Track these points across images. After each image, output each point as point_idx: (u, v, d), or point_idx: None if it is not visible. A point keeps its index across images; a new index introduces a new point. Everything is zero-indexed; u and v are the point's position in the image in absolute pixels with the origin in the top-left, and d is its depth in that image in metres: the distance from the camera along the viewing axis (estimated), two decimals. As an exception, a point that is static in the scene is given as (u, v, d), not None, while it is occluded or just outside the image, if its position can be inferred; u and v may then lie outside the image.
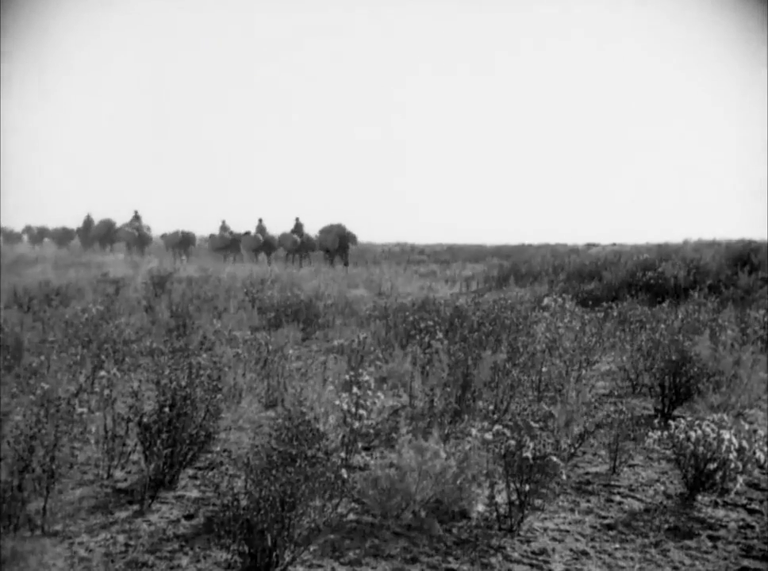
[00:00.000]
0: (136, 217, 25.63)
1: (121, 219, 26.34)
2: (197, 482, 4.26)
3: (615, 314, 9.93)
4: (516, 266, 18.38)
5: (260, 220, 25.01)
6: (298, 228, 24.11)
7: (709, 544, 3.69)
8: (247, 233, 24.82)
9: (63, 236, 29.07)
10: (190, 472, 4.39)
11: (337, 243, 22.42)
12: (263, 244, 24.45)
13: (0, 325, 7.06)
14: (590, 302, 12.32)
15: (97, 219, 26.73)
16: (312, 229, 23.85)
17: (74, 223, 28.61)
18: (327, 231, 22.69)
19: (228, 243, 25.20)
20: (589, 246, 25.71)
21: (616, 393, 6.63)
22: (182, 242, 25.33)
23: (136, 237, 25.05)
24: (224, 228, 25.71)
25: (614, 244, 24.73)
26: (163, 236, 26.38)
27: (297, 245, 23.61)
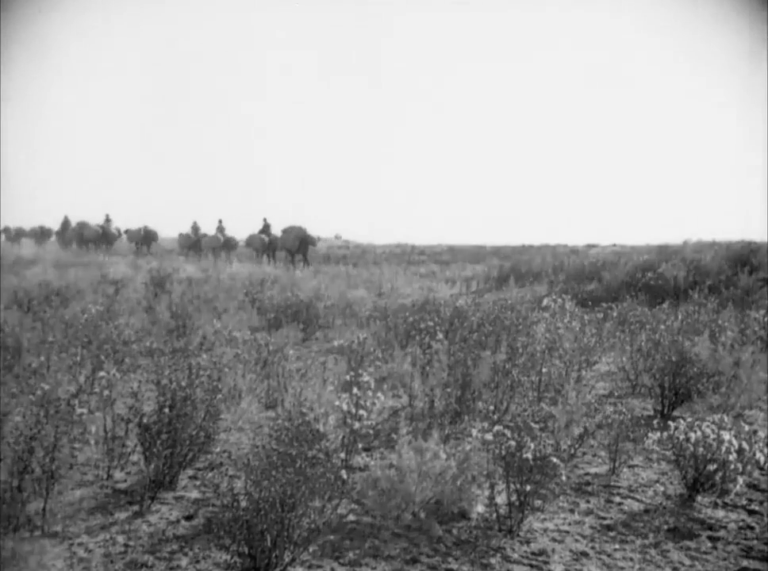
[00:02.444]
0: (107, 220, 27.86)
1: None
2: (197, 483, 4.26)
3: (615, 315, 9.92)
4: (515, 267, 18.37)
5: (220, 221, 26.48)
6: (266, 228, 25.14)
7: (709, 545, 3.69)
8: (205, 235, 26.58)
9: (40, 235, 30.80)
10: (190, 473, 4.39)
11: (297, 244, 23.26)
12: (222, 244, 25.84)
13: (0, 325, 7.06)
14: (590, 303, 12.31)
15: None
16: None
17: (38, 222, 30.96)
18: (287, 232, 23.65)
19: (192, 243, 26.89)
20: (589, 247, 25.73)
21: (615, 394, 6.62)
22: (145, 238, 27.31)
23: (100, 235, 27.25)
24: (194, 228, 27.46)
25: (614, 245, 24.76)
26: (127, 231, 28.22)
27: (265, 245, 24.64)
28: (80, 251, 25.54)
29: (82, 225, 27.97)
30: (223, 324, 8.53)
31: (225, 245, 25.97)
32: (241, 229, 26.51)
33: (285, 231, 23.69)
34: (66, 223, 29.51)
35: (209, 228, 27.05)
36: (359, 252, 30.42)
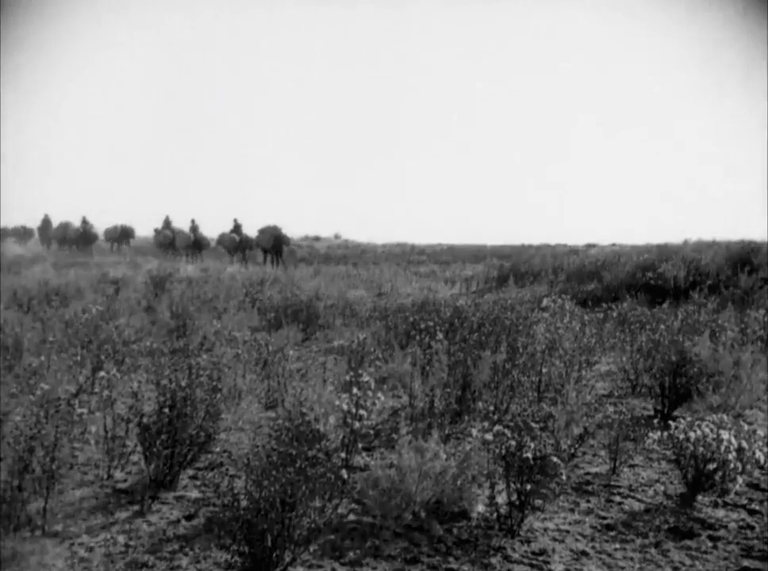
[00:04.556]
0: (85, 221, 29.00)
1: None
2: (198, 483, 4.26)
3: (615, 315, 9.92)
4: (515, 267, 18.37)
5: (192, 221, 27.45)
6: (237, 228, 25.90)
7: (709, 544, 3.69)
8: (181, 232, 27.53)
9: (22, 235, 32.11)
10: (190, 472, 4.39)
11: (271, 243, 23.80)
12: (193, 243, 26.74)
13: (0, 325, 7.06)
14: (590, 303, 12.33)
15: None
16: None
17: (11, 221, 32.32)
18: (262, 231, 24.24)
19: (169, 241, 27.76)
20: (589, 246, 25.74)
21: (616, 394, 6.63)
22: (122, 235, 28.80)
23: (81, 234, 28.63)
24: (166, 222, 28.63)
25: (614, 245, 24.76)
26: (106, 231, 29.62)
27: (236, 244, 25.35)
28: (60, 250, 26.76)
29: (65, 225, 29.03)
30: (223, 324, 8.53)
31: (196, 244, 26.78)
32: (223, 228, 26.86)
33: (260, 231, 24.32)
34: (46, 222, 30.64)
35: (185, 227, 27.75)
36: (358, 252, 30.44)
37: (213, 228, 27.87)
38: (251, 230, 25.87)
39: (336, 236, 38.46)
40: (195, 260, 24.86)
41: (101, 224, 29.44)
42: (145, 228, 30.55)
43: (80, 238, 28.33)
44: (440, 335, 7.29)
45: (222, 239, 25.80)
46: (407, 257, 28.13)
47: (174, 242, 27.36)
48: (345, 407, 4.50)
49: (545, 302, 10.93)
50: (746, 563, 3.48)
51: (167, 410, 4.06)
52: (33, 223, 31.82)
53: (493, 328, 7.84)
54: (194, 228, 27.12)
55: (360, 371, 4.81)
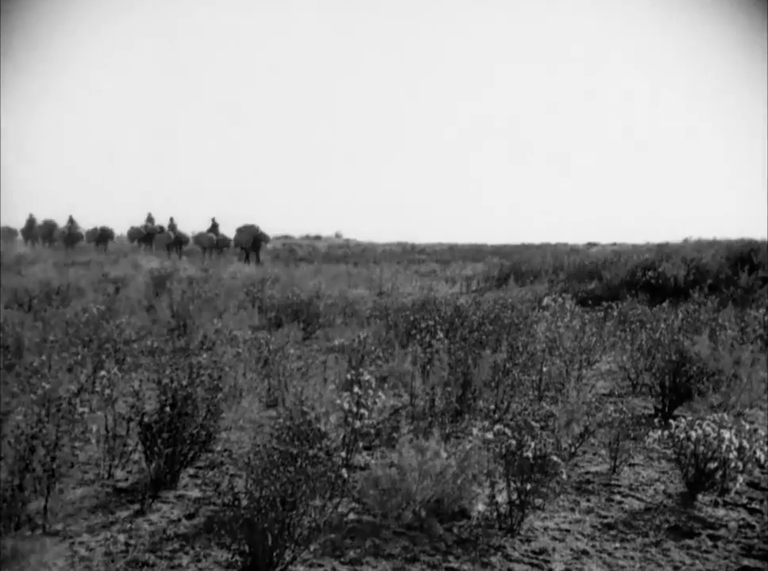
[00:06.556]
0: (71, 220, 29.60)
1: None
2: (198, 482, 4.26)
3: (615, 314, 9.92)
4: (516, 266, 18.35)
5: (171, 219, 28.14)
6: (214, 227, 26.61)
7: (710, 543, 3.69)
8: (162, 229, 28.17)
9: (6, 235, 32.56)
10: (191, 471, 4.40)
11: (250, 242, 24.43)
12: (173, 241, 27.29)
13: (1, 325, 7.06)
14: (590, 302, 12.32)
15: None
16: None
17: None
18: (242, 230, 24.88)
19: (143, 236, 28.42)
20: (590, 245, 25.78)
21: (616, 393, 6.63)
22: (101, 236, 29.34)
23: (67, 235, 29.15)
24: (149, 219, 29.11)
25: (614, 244, 24.82)
26: (87, 233, 30.10)
27: (213, 243, 26.02)
28: (44, 249, 26.85)
29: (51, 225, 29.70)
30: (223, 323, 8.53)
31: (176, 242, 27.28)
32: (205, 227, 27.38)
33: (239, 230, 24.86)
34: (31, 221, 31.22)
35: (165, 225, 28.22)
36: (359, 251, 30.45)
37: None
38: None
39: (337, 235, 38.51)
40: (172, 257, 25.10)
41: (87, 224, 29.97)
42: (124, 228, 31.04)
43: (66, 238, 28.76)
44: (441, 334, 7.29)
45: (200, 239, 26.33)
46: (407, 256, 28.13)
47: (148, 237, 27.86)
48: (346, 406, 4.50)
49: (545, 301, 10.91)
50: (746, 562, 3.49)
51: (168, 409, 4.07)
52: (14, 223, 32.35)
53: (494, 327, 7.85)
54: (173, 226, 27.71)
55: (361, 370, 4.81)
